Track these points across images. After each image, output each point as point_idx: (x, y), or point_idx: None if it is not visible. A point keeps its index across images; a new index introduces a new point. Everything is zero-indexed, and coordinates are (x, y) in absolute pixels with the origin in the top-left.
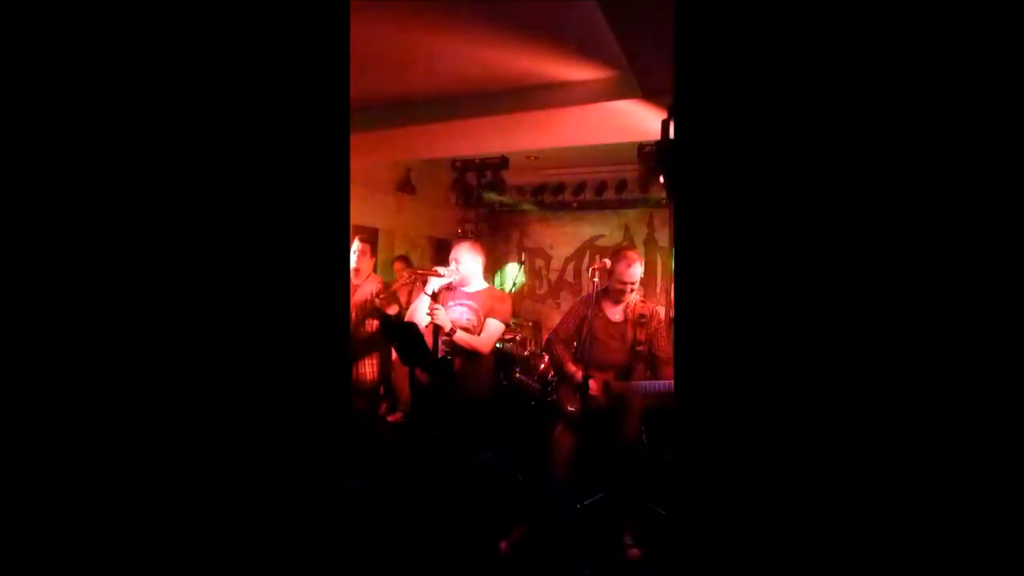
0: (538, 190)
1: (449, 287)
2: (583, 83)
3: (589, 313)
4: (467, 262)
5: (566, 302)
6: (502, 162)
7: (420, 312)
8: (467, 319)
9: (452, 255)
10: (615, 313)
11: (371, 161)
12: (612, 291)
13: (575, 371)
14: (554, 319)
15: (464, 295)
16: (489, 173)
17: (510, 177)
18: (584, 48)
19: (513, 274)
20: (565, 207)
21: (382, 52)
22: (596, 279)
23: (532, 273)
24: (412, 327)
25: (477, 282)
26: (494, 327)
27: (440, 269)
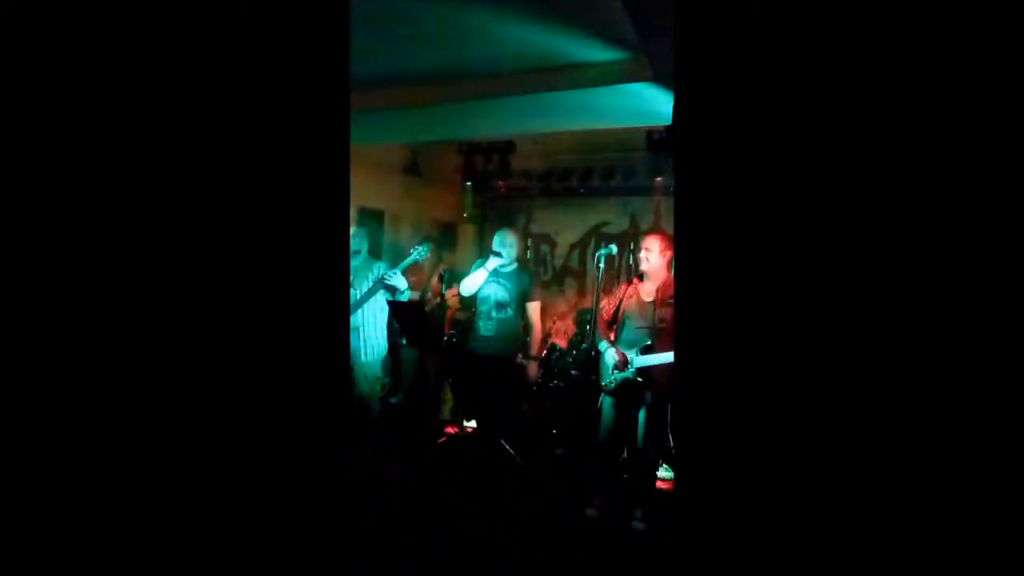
0: (544, 175)
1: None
2: (594, 65)
3: (624, 295)
4: (513, 246)
5: (570, 288)
6: (508, 146)
7: (474, 284)
8: (501, 295)
9: (503, 239)
10: (647, 294)
11: (378, 143)
12: (643, 274)
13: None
14: (558, 305)
15: (499, 273)
16: (496, 157)
17: (516, 162)
18: (595, 28)
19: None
20: (571, 193)
21: (388, 32)
22: (602, 265)
23: (537, 259)
24: (418, 307)
25: (511, 263)
26: (535, 311)
27: (500, 251)
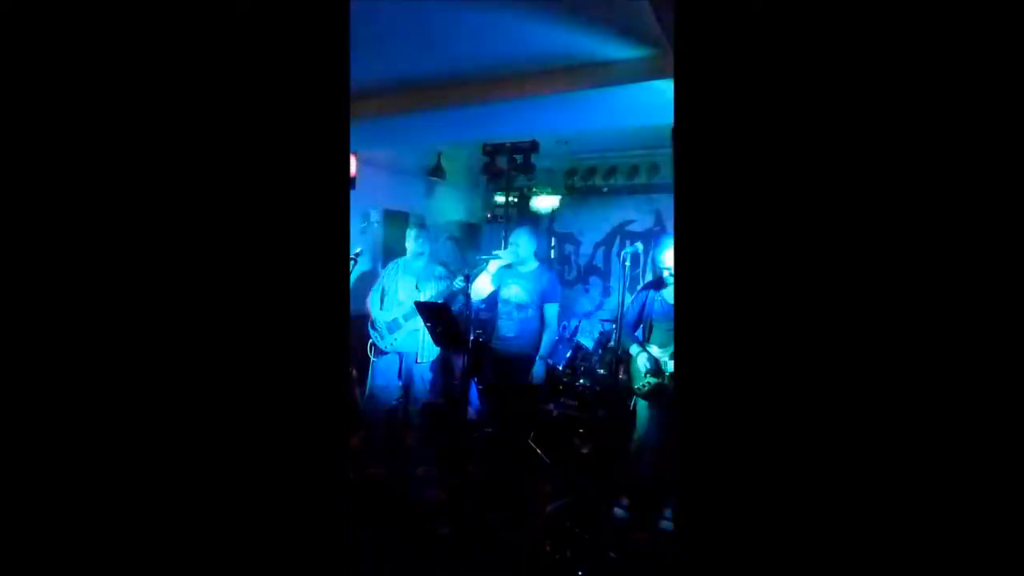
0: (568, 174)
1: (507, 266)
2: (619, 62)
3: (648, 297)
4: (523, 245)
5: (595, 288)
6: (532, 146)
7: (482, 289)
8: (521, 296)
9: (511, 238)
10: (672, 296)
11: (402, 145)
12: (666, 277)
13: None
14: (582, 304)
15: (518, 274)
16: (520, 157)
17: (540, 161)
18: (620, 25)
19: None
20: (595, 192)
21: (410, 32)
22: (627, 264)
23: (561, 258)
24: (446, 308)
25: (530, 263)
26: (552, 312)
27: (499, 252)
